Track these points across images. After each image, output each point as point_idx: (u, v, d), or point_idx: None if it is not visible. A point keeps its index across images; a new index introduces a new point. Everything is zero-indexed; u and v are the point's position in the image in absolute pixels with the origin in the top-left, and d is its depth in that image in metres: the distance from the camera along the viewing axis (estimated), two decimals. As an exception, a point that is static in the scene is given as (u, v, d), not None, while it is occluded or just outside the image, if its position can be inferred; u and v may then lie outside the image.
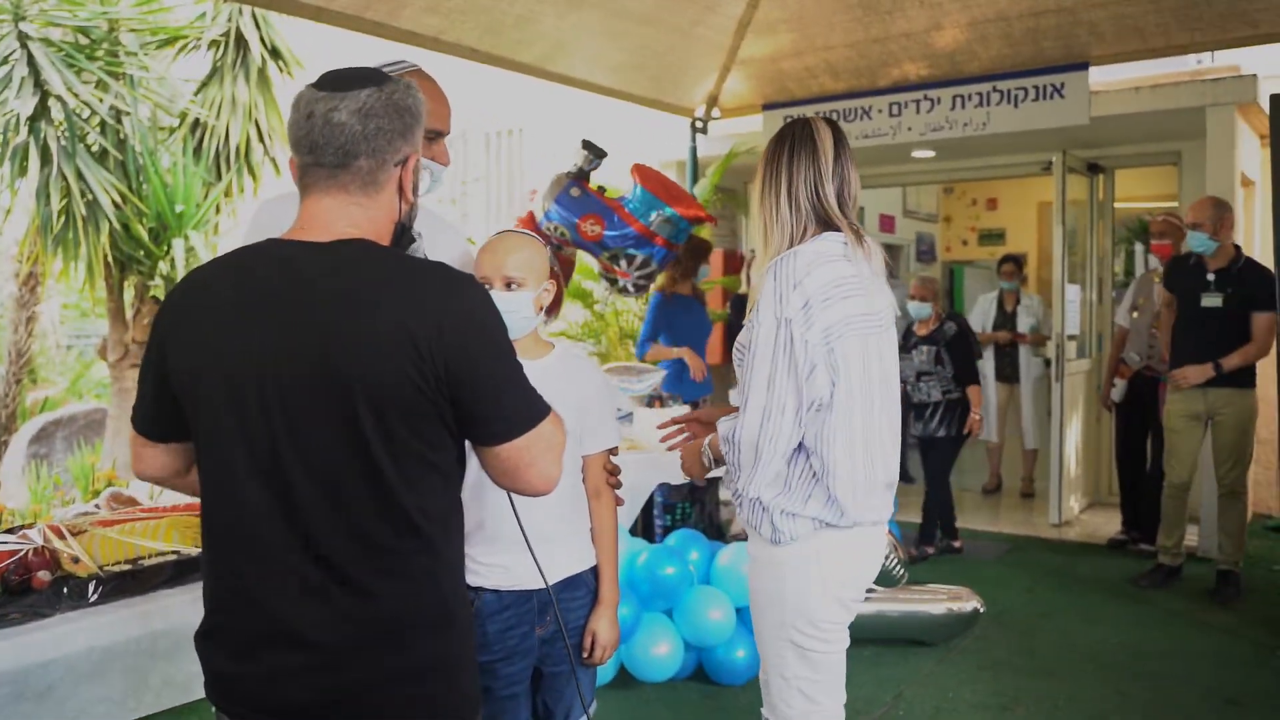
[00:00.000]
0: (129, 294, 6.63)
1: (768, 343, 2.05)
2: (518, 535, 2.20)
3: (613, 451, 2.35)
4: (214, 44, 6.70)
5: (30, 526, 2.25)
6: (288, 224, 2.07)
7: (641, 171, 4.28)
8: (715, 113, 7.27)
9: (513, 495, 1.85)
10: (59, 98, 5.89)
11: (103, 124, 6.29)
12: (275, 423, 1.45)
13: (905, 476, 8.02)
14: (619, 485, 2.36)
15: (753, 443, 2.08)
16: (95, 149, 6.28)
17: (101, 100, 6.10)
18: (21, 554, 2.11)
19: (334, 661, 1.46)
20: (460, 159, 9.25)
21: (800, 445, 2.15)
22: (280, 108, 7.14)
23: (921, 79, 6.29)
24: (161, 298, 6.50)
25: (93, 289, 6.30)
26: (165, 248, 6.39)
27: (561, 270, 4.42)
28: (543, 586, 2.22)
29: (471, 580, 2.24)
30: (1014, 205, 11.59)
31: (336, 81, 1.55)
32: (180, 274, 6.34)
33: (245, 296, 1.49)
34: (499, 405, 1.50)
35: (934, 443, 5.89)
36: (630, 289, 4.17)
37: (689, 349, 5.44)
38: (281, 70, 7.24)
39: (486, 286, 2.19)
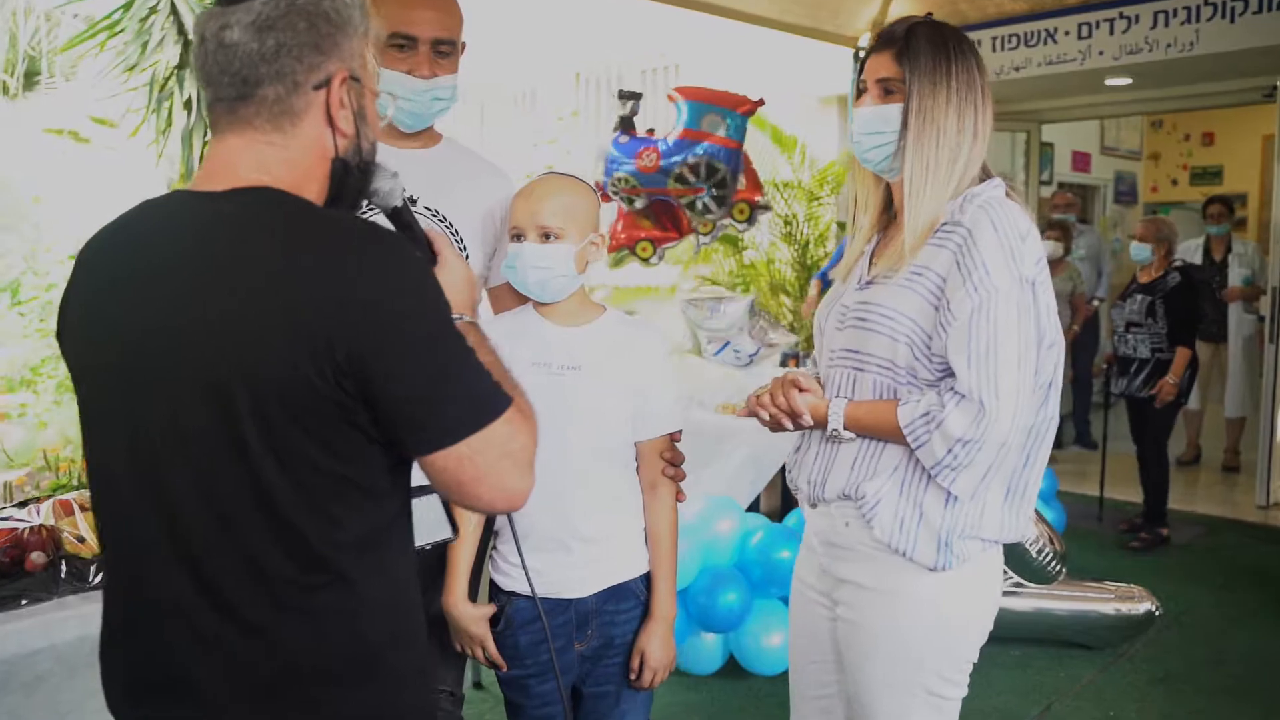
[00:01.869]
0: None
1: (1009, 308, 1.57)
2: (553, 533, 1.89)
3: (675, 437, 1.98)
4: None
5: (42, 500, 2.08)
6: None
7: (680, 90, 4.28)
8: (880, 41, 6.62)
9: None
10: (202, 45, 5.88)
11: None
12: (157, 422, 1.16)
13: (1087, 440, 7.25)
14: (681, 477, 1.99)
15: (1003, 435, 1.57)
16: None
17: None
18: (18, 532, 1.94)
19: (229, 718, 1.18)
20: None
21: None
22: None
23: (1116, -7, 5.48)
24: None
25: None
26: (307, 194, 6.35)
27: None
28: (585, 595, 1.90)
29: (503, 583, 1.94)
30: (1234, 140, 10.32)
31: None
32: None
33: (128, 262, 1.23)
34: (426, 404, 1.15)
35: (1140, 405, 5.14)
36: (712, 206, 4.05)
37: None
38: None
39: (519, 238, 1.85)
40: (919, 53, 1.67)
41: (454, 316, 1.36)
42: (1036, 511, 3.68)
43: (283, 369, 1.10)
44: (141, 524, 1.19)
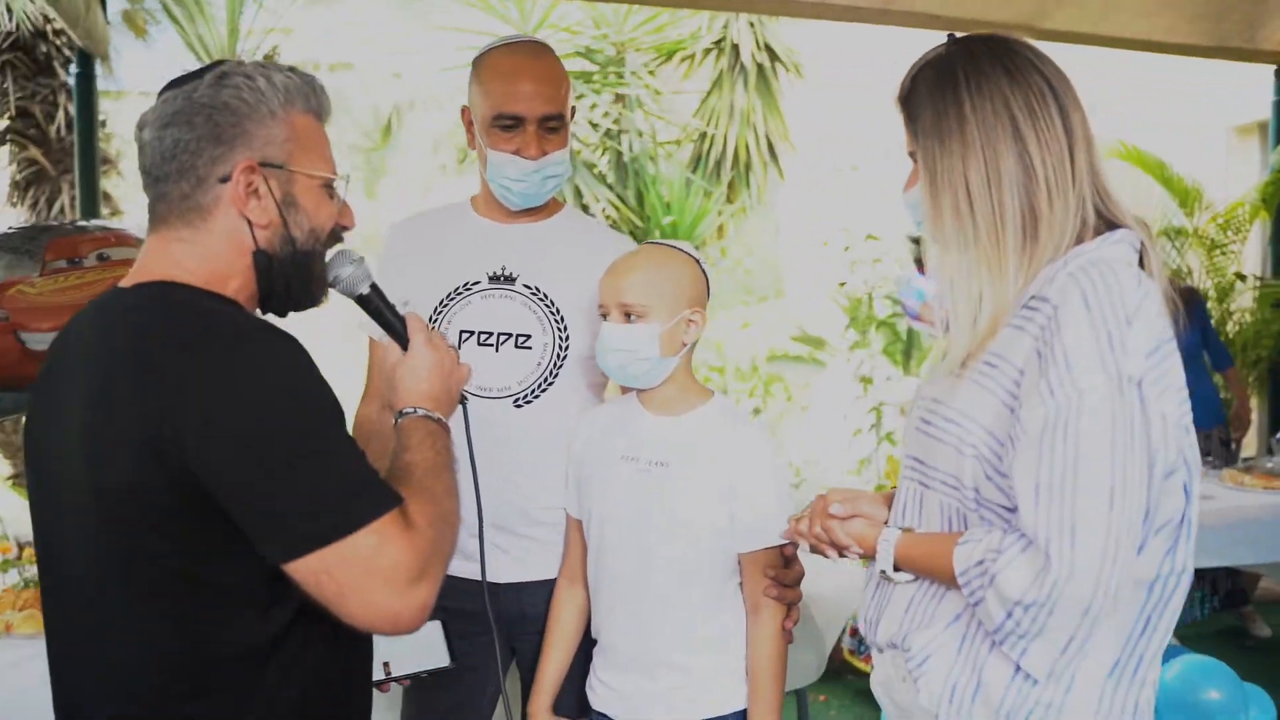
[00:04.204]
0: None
1: (1101, 420, 1.13)
2: (634, 654, 1.68)
3: (786, 551, 1.67)
4: (707, 52, 6.70)
5: None
6: (435, 247, 1.91)
7: None
8: (1312, 53, 5.49)
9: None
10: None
11: (604, 144, 6.61)
12: (58, 542, 1.20)
13: None
14: (790, 599, 1.67)
15: (1084, 601, 1.13)
16: (598, 168, 6.62)
17: (597, 127, 6.39)
18: None
19: None
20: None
21: None
22: (783, 111, 6.94)
23: None
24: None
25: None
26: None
27: None
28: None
29: (593, 701, 1.75)
30: None
31: (163, 89, 1.24)
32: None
33: (52, 357, 1.26)
34: (261, 512, 1.06)
35: None
36: None
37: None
38: (789, 71, 7.04)
39: (605, 317, 1.68)
40: (919, 108, 1.29)
41: (406, 410, 1.28)
42: None
43: (124, 464, 1.08)
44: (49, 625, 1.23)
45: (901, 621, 1.33)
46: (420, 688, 1.88)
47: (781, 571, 1.65)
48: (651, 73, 6.77)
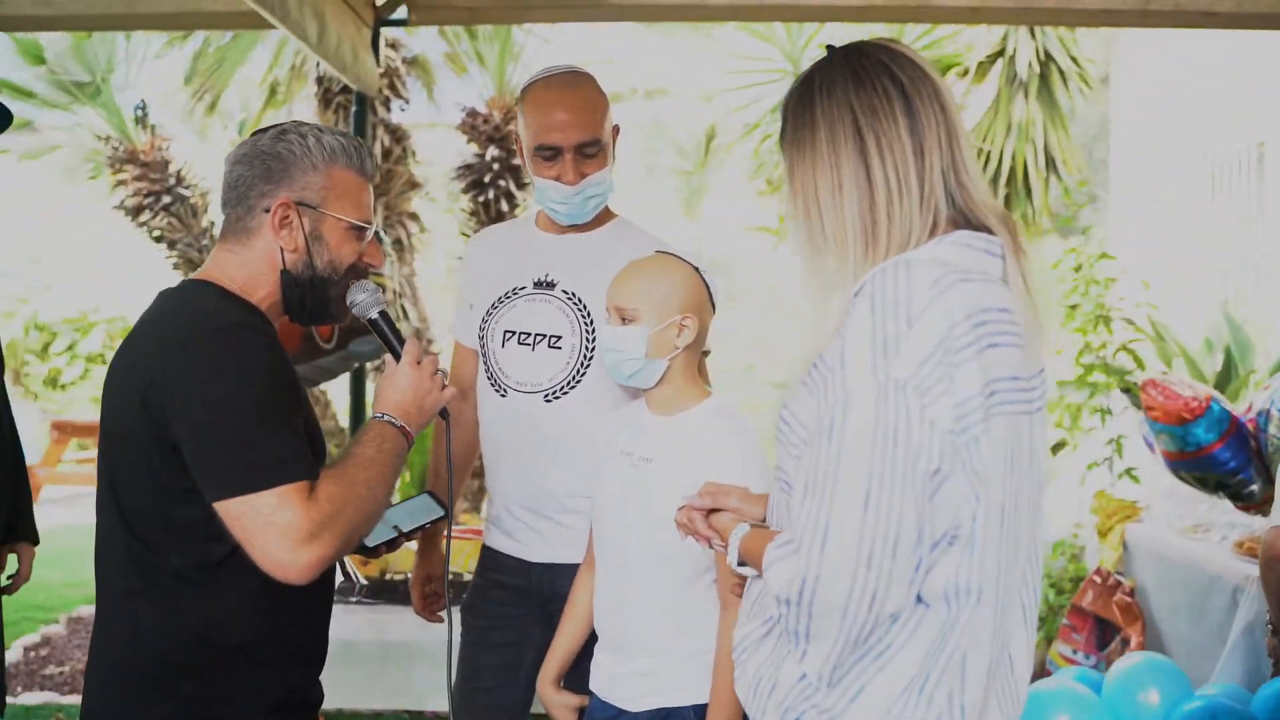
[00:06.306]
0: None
1: (863, 425, 1.14)
2: (614, 635, 1.85)
3: (760, 551, 1.71)
4: (984, 66, 6.42)
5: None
6: (497, 256, 2.15)
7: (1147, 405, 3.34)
8: None
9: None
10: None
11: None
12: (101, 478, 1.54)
13: None
14: (760, 597, 1.70)
15: (839, 605, 1.13)
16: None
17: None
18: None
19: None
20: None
21: None
22: (1067, 123, 6.53)
23: None
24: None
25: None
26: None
27: None
28: (635, 710, 1.77)
29: (590, 680, 1.89)
30: None
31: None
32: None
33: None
34: (198, 460, 1.37)
35: None
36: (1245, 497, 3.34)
37: None
38: (1080, 78, 6.62)
39: (606, 320, 1.82)
40: (785, 123, 1.34)
41: (377, 415, 1.55)
42: None
43: (125, 411, 1.43)
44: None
45: (749, 614, 1.37)
46: (468, 654, 2.11)
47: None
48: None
